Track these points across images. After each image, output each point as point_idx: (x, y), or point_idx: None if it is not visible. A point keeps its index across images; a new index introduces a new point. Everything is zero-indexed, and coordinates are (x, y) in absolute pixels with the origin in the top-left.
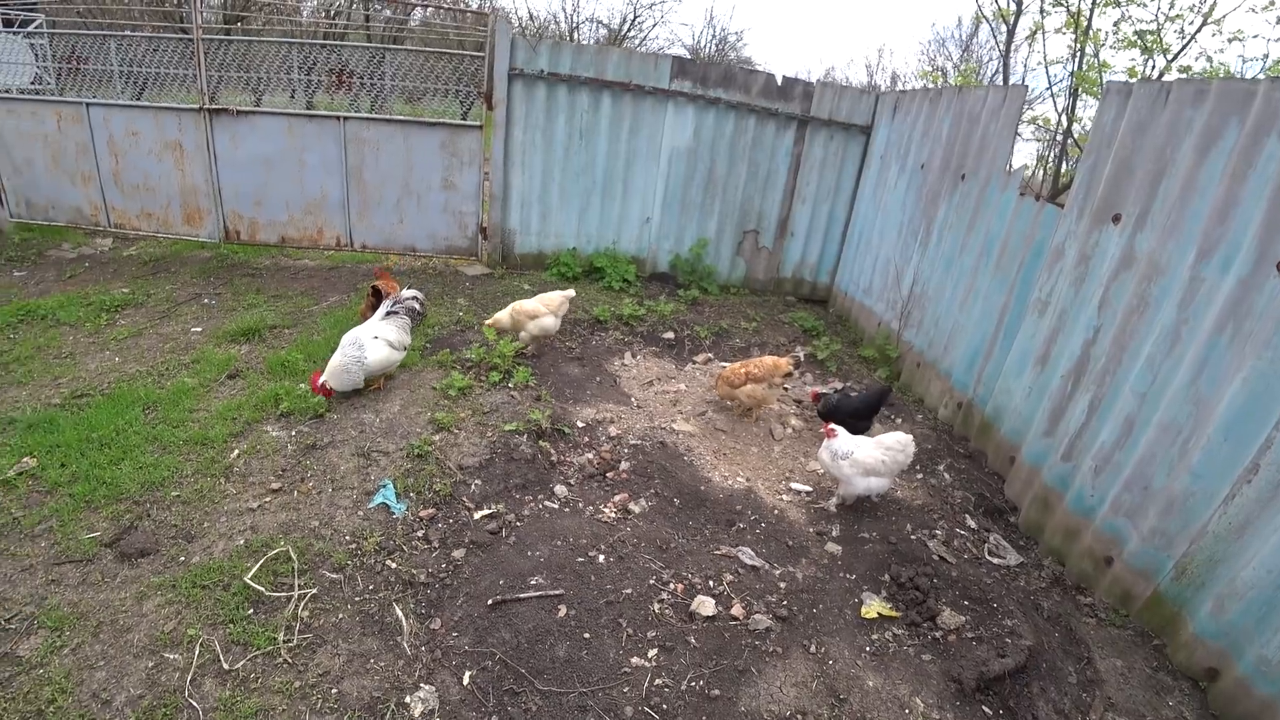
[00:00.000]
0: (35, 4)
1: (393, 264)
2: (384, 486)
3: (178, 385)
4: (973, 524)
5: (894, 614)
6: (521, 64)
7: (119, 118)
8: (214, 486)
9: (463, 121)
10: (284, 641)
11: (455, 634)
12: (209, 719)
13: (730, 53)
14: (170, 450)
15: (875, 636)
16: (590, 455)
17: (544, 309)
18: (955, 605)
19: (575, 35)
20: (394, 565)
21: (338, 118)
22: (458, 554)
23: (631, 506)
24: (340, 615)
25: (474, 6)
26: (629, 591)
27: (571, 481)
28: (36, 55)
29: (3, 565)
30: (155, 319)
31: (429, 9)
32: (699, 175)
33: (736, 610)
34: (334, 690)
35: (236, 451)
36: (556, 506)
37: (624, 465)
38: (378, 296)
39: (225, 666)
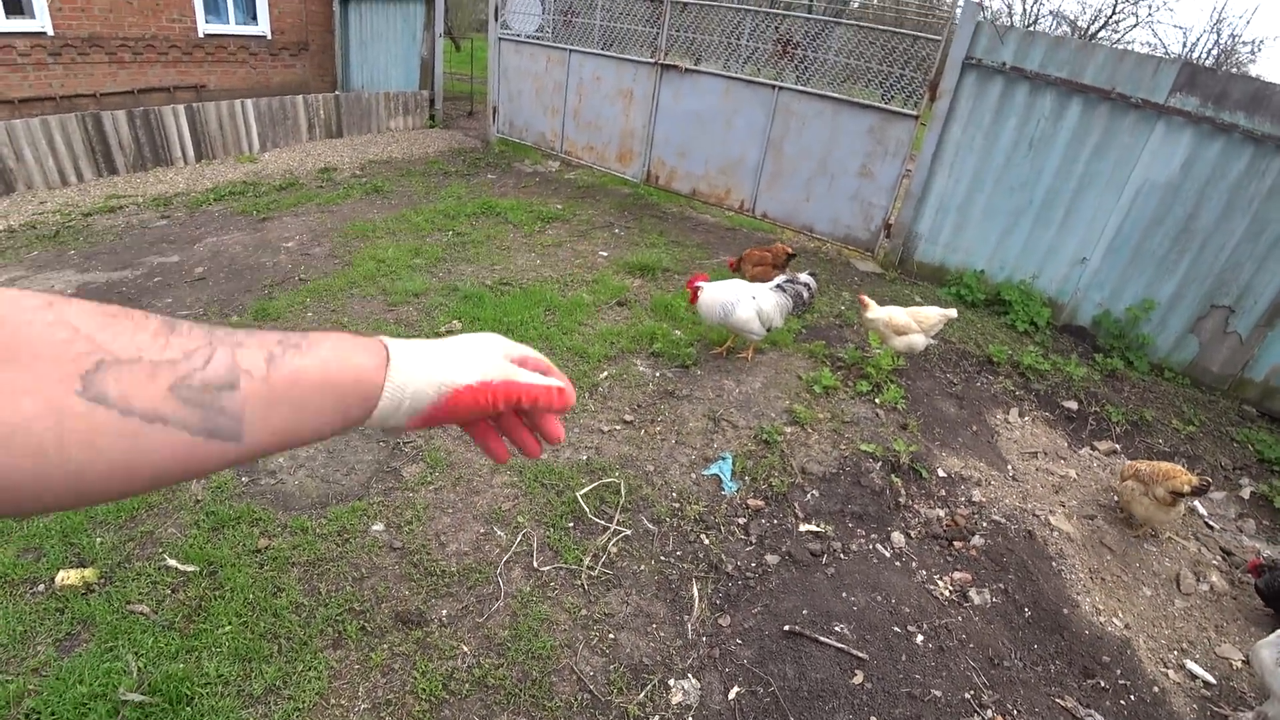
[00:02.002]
0: None
1: (788, 239)
2: (723, 459)
3: (576, 298)
4: None
5: None
6: (981, 53)
7: (590, 64)
8: (579, 398)
9: (899, 109)
10: (587, 567)
11: (739, 641)
12: (506, 603)
13: (1234, 69)
14: (555, 352)
15: None
16: (942, 513)
17: (915, 326)
18: None
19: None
20: (707, 542)
21: (773, 86)
22: (771, 559)
23: (972, 593)
24: (642, 567)
25: None
26: (938, 694)
27: (912, 534)
28: (543, 8)
29: None
30: (574, 236)
31: None
32: (1171, 221)
33: None
34: (611, 635)
35: (605, 374)
36: (888, 556)
37: (976, 540)
38: (790, 258)
39: (534, 564)
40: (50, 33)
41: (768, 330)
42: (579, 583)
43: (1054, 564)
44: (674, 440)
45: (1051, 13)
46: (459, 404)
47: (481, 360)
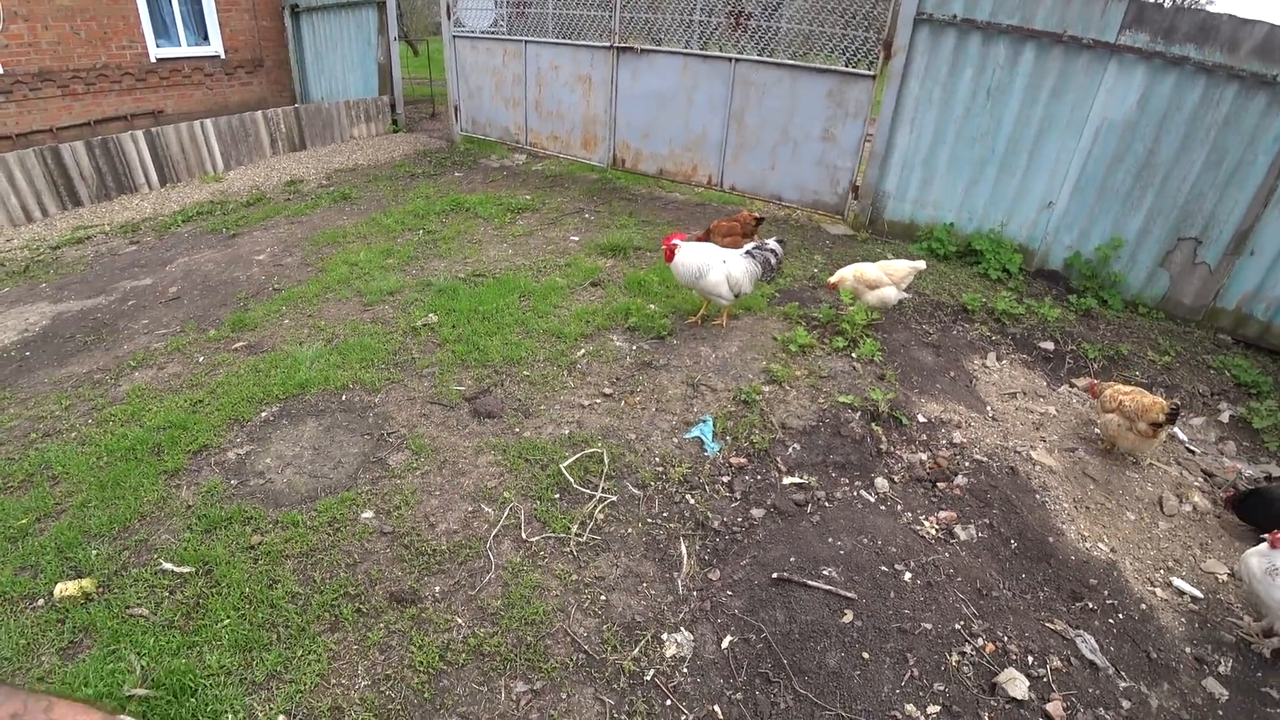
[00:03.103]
0: None
1: (756, 210)
2: (704, 422)
3: (549, 282)
4: None
5: None
6: (931, 8)
7: (547, 53)
8: (557, 376)
9: (856, 70)
10: (575, 535)
11: (730, 593)
12: (497, 574)
13: (1185, 4)
14: (531, 335)
15: None
16: (924, 456)
17: (886, 279)
18: None
19: None
20: (692, 501)
21: (729, 59)
22: (756, 513)
23: (958, 530)
24: (629, 530)
25: None
26: (928, 627)
27: (895, 479)
28: (495, 2)
29: (397, 392)
30: (545, 224)
31: None
32: (1132, 158)
33: (1054, 709)
34: (603, 597)
35: (583, 351)
36: (873, 500)
37: (960, 480)
38: (758, 223)
39: (523, 536)
40: (0, 71)
41: (736, 295)
42: (568, 550)
43: (1038, 496)
44: (654, 409)
45: None
46: None
47: None
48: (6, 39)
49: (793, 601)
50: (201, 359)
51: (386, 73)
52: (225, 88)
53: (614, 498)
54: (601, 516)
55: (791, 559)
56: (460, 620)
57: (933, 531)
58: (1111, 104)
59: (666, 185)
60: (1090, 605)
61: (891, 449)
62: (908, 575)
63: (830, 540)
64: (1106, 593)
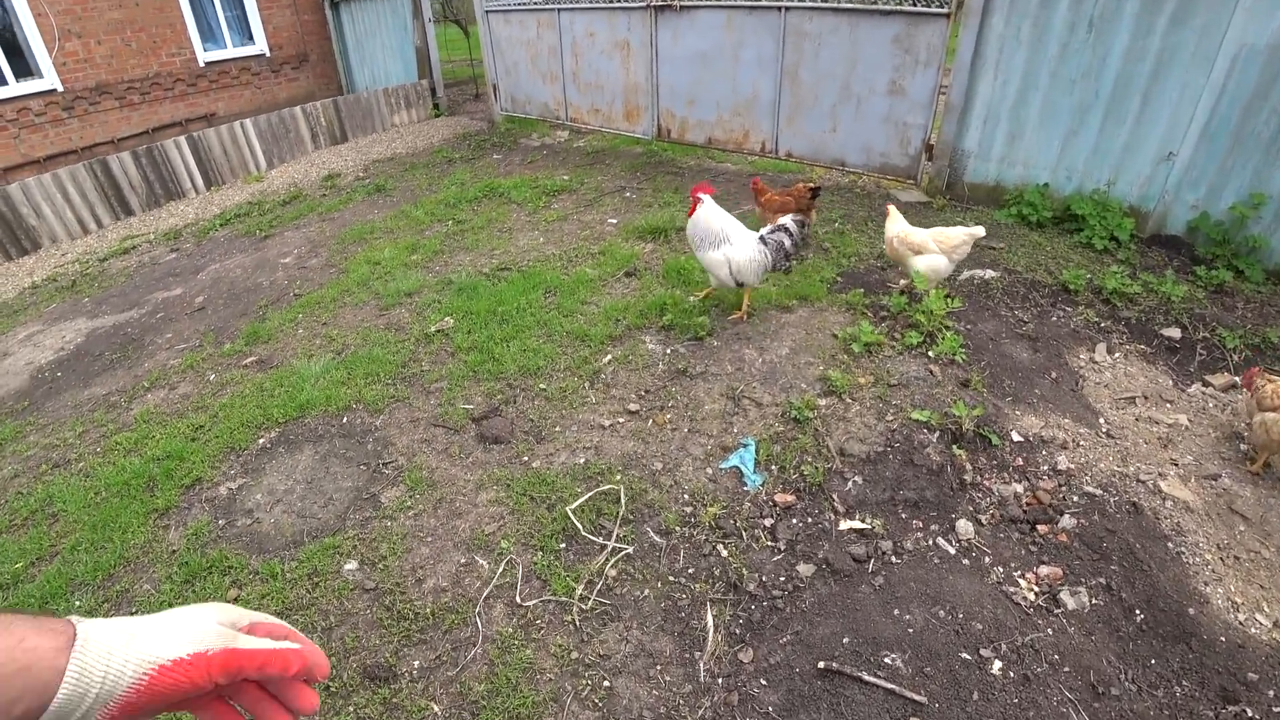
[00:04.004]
0: None
1: (816, 177)
2: (745, 446)
3: (579, 274)
4: None
5: None
6: None
7: (581, 20)
8: (577, 389)
9: (926, 9)
10: (580, 598)
11: (764, 682)
12: (484, 649)
13: None
14: (553, 339)
15: None
16: (1019, 488)
17: (934, 246)
18: None
19: None
20: (725, 553)
21: (778, 8)
22: (804, 570)
23: (1064, 595)
24: (645, 591)
25: None
26: None
27: (983, 520)
28: None
29: (400, 413)
30: (581, 206)
31: None
32: (1279, 93)
33: None
34: (606, 683)
35: (609, 357)
36: (953, 552)
37: (1066, 521)
38: (815, 195)
39: (518, 600)
40: (60, 89)
41: (739, 285)
42: (569, 618)
43: (1169, 545)
44: (686, 429)
45: None
46: (166, 684)
47: (195, 629)
48: (64, 56)
49: (843, 701)
50: (212, 376)
51: (424, 56)
52: (273, 85)
53: (630, 548)
54: (613, 574)
55: (845, 639)
56: (437, 708)
57: (1030, 596)
58: (1252, 26)
59: (717, 155)
60: (1249, 712)
61: (978, 479)
62: (997, 665)
63: (896, 612)
64: (1272, 693)
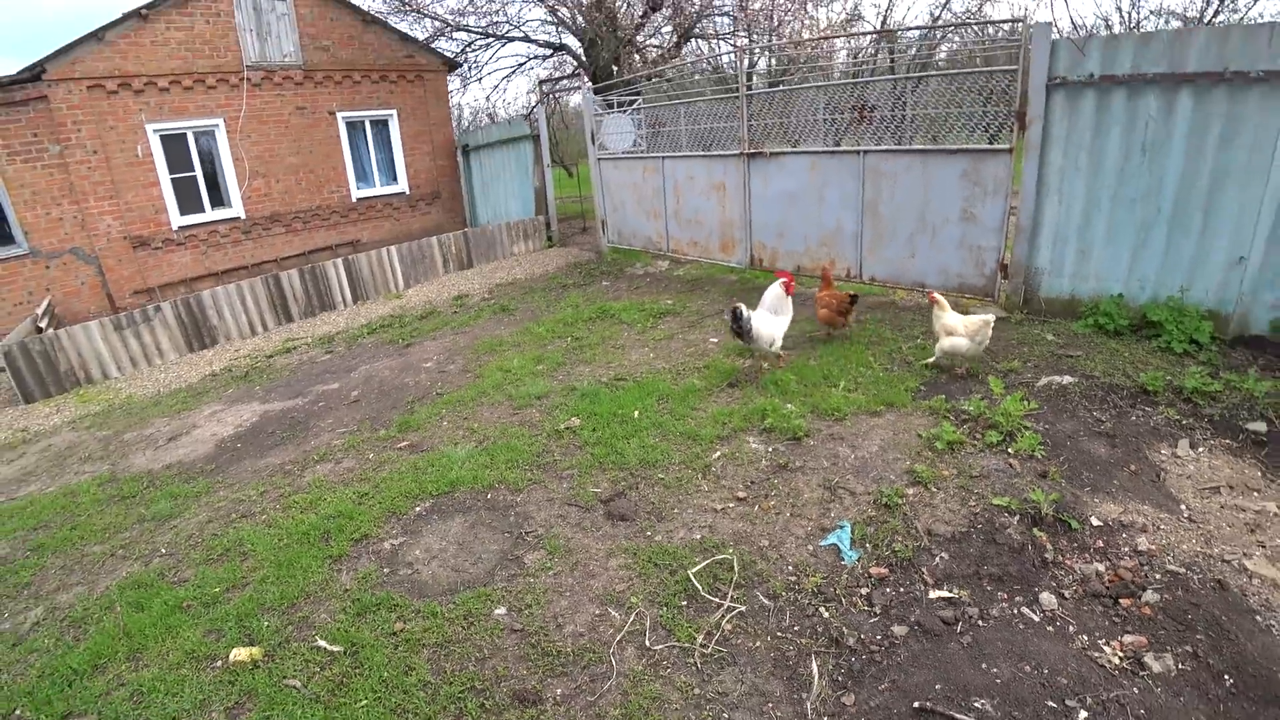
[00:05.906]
0: (638, 90)
1: (899, 299)
2: (841, 527)
3: (687, 385)
4: None
5: None
6: (1064, 70)
7: (682, 166)
8: (691, 480)
9: (989, 146)
10: (700, 645)
11: None
12: (618, 681)
13: None
14: (668, 438)
15: None
16: (1101, 567)
17: (961, 329)
18: None
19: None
20: (826, 614)
21: (857, 152)
22: (898, 630)
23: (1149, 659)
24: (757, 643)
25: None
26: None
27: (1065, 594)
28: (635, 126)
29: (538, 493)
30: (685, 327)
31: (955, 40)
32: None
33: None
34: (725, 715)
35: (718, 454)
36: (1037, 620)
37: (1149, 596)
38: (853, 302)
39: (647, 644)
40: (243, 216)
41: (770, 346)
42: (692, 660)
43: (1258, 619)
44: (789, 513)
45: (1153, 12)
46: None
47: None
48: (250, 191)
49: None
50: (371, 455)
51: (541, 195)
52: (409, 218)
53: (742, 608)
54: (729, 627)
55: (937, 686)
56: None
57: (1115, 660)
58: None
59: (806, 281)
60: None
61: (1059, 558)
62: (1083, 715)
63: (984, 666)
64: None
